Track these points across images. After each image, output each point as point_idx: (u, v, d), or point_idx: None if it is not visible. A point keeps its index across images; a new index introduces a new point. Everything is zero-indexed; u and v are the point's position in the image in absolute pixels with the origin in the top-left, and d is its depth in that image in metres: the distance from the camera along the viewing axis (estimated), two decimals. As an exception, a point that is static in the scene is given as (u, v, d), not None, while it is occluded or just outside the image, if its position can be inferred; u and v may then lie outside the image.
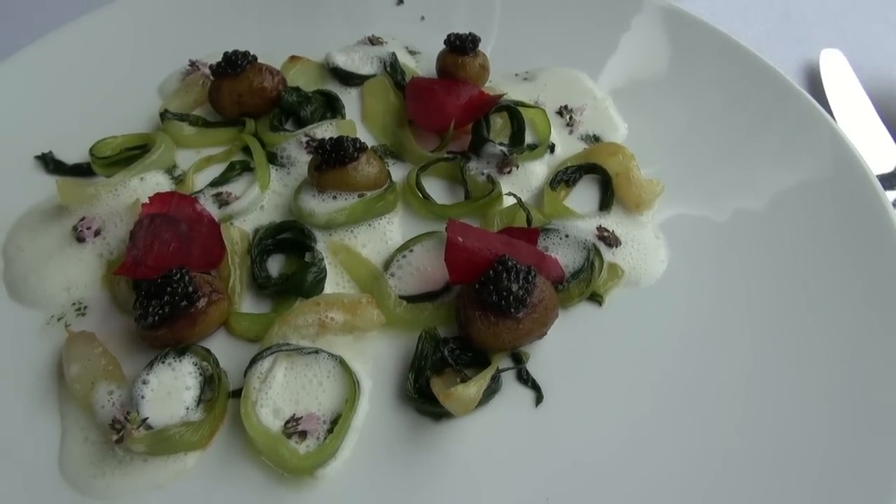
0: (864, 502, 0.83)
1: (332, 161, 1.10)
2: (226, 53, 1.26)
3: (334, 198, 1.12)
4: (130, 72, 1.39)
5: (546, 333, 0.98)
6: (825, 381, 0.95)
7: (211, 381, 0.95)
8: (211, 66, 1.29)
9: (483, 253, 0.96)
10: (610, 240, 1.10)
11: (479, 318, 0.93)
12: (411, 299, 1.03)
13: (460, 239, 0.97)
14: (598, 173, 1.20)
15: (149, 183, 1.19)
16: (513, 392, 0.96)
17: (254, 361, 0.94)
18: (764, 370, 0.97)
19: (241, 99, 1.27)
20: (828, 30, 1.62)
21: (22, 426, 0.93)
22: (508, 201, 1.15)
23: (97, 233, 1.11)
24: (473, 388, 0.88)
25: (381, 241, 1.12)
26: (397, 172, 1.22)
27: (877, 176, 1.13)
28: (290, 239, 1.11)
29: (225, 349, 1.00)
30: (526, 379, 0.97)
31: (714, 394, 0.95)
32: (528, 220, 1.09)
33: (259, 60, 1.29)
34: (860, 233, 1.08)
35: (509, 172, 1.20)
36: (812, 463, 0.88)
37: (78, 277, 1.07)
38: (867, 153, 1.24)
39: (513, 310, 0.91)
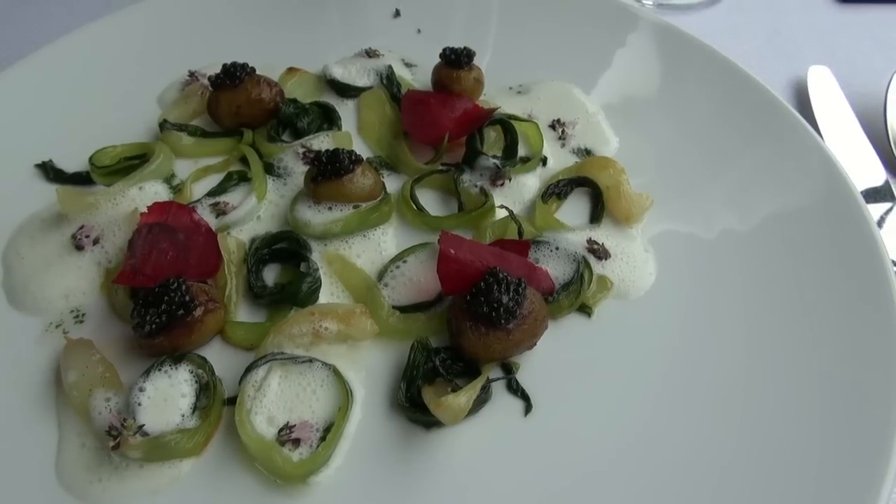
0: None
1: (328, 173, 1.12)
2: (225, 65, 1.29)
3: (330, 209, 1.14)
4: (130, 82, 1.41)
5: (536, 344, 1.00)
6: (812, 393, 0.96)
7: (206, 389, 0.97)
8: (210, 78, 1.32)
9: (475, 265, 0.98)
10: (600, 252, 1.12)
11: (470, 328, 0.95)
12: (404, 309, 1.05)
13: (452, 251, 0.99)
14: (589, 186, 1.23)
15: (147, 192, 1.20)
16: (502, 402, 0.98)
17: (249, 370, 0.96)
18: (750, 380, 0.99)
19: (239, 110, 1.29)
20: (816, 47, 1.65)
21: (20, 432, 0.95)
22: (500, 214, 1.17)
23: (96, 241, 1.13)
24: (463, 397, 0.90)
25: (376, 251, 1.14)
26: (392, 184, 1.24)
27: (862, 192, 1.16)
28: (286, 249, 1.13)
29: (220, 357, 1.01)
30: (516, 389, 0.98)
31: (702, 405, 0.97)
32: (520, 233, 1.11)
33: (257, 72, 1.31)
34: (845, 248, 1.10)
35: (502, 185, 1.22)
36: (800, 476, 0.89)
37: (76, 285, 1.09)
38: (852, 169, 1.27)
39: (503, 321, 0.93)
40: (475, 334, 0.95)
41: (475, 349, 0.96)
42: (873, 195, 1.28)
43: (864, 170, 1.32)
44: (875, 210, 1.24)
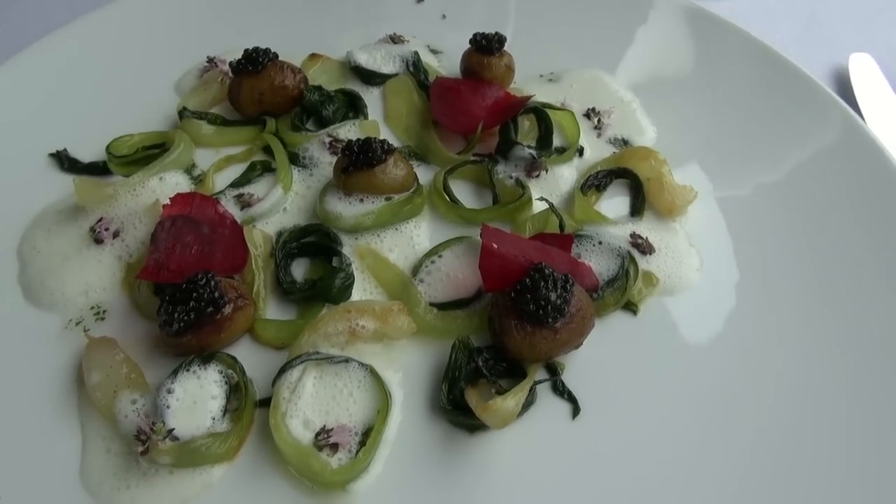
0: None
1: (360, 163, 1.07)
2: (246, 50, 1.23)
3: (361, 201, 1.08)
4: (146, 68, 1.35)
5: (582, 343, 0.95)
6: (875, 394, 0.92)
7: (237, 390, 0.92)
8: (231, 64, 1.26)
9: (518, 260, 0.94)
10: (644, 247, 1.07)
11: (516, 327, 0.90)
12: (441, 307, 1.00)
13: (495, 245, 0.94)
14: (629, 178, 1.18)
15: (168, 183, 1.15)
16: (548, 404, 0.93)
17: (283, 370, 0.91)
18: (806, 376, 0.95)
19: (261, 97, 1.23)
20: (856, 33, 1.59)
21: (41, 436, 0.90)
22: (537, 206, 1.12)
23: (116, 234, 1.08)
24: (512, 400, 0.85)
25: (409, 245, 1.09)
26: (422, 174, 1.18)
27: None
28: (315, 243, 1.08)
29: (248, 356, 0.96)
30: (562, 391, 0.94)
31: (756, 403, 0.93)
32: (561, 227, 1.06)
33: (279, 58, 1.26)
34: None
35: (538, 176, 1.17)
36: (871, 478, 0.85)
37: (96, 280, 1.04)
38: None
39: (550, 319, 0.89)
40: (520, 333, 0.90)
41: (520, 349, 0.91)
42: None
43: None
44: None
